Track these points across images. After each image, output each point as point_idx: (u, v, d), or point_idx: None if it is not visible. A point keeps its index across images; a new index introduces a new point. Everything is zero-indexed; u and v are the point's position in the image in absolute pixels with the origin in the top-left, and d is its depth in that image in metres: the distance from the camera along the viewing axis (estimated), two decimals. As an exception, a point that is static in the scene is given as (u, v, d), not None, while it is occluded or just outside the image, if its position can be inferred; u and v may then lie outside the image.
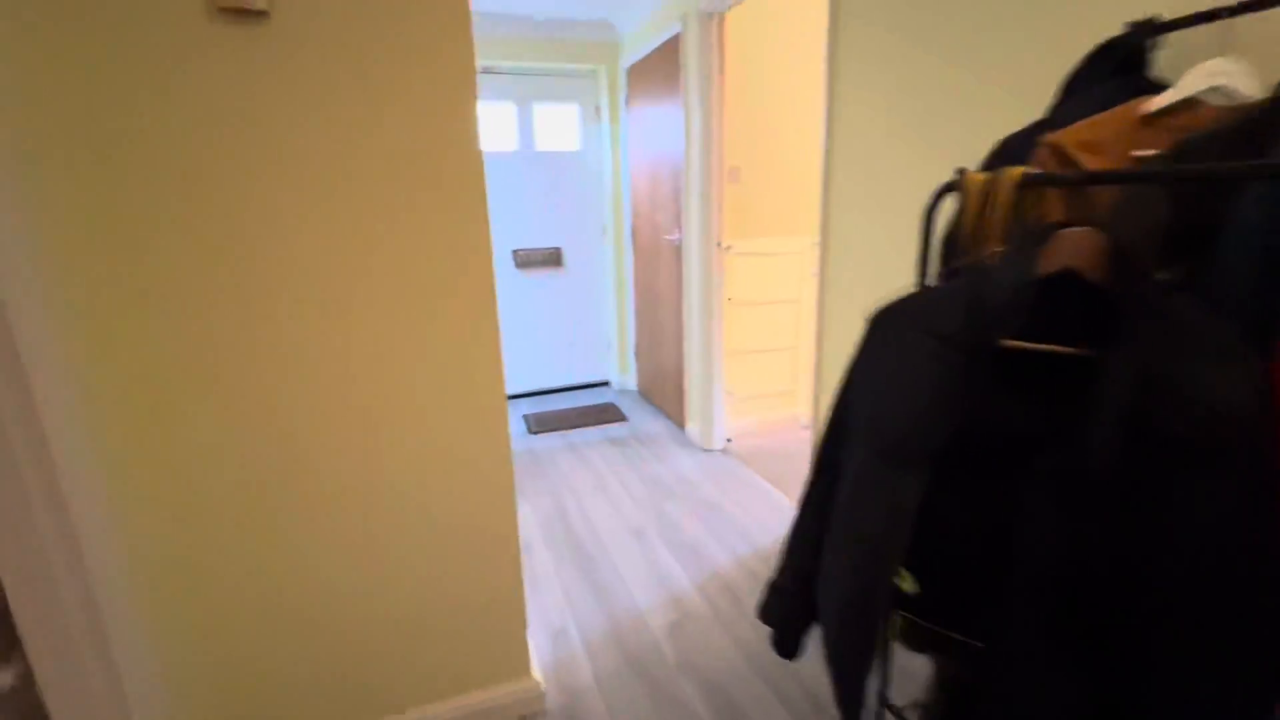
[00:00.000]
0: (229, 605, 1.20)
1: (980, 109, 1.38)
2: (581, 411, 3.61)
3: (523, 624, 1.45)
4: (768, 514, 2.41)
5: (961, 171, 0.92)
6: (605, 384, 4.12)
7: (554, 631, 1.79)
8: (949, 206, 0.95)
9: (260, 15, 1.00)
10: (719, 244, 2.78)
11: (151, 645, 1.14)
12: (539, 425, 3.41)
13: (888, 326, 0.84)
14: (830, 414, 0.92)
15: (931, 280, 1.01)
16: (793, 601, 0.98)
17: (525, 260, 3.69)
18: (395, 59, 1.08)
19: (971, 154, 1.13)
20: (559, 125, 3.63)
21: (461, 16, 1.10)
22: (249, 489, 1.16)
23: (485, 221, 1.20)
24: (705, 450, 3.02)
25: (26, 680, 0.96)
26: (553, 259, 3.75)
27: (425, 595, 1.34)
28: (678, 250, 3.03)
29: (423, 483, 1.28)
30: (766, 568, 2.04)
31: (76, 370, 1.00)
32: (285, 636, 1.25)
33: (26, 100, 0.91)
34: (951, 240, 0.98)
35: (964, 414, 0.73)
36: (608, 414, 3.57)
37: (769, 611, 1.03)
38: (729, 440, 3.08)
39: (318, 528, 1.22)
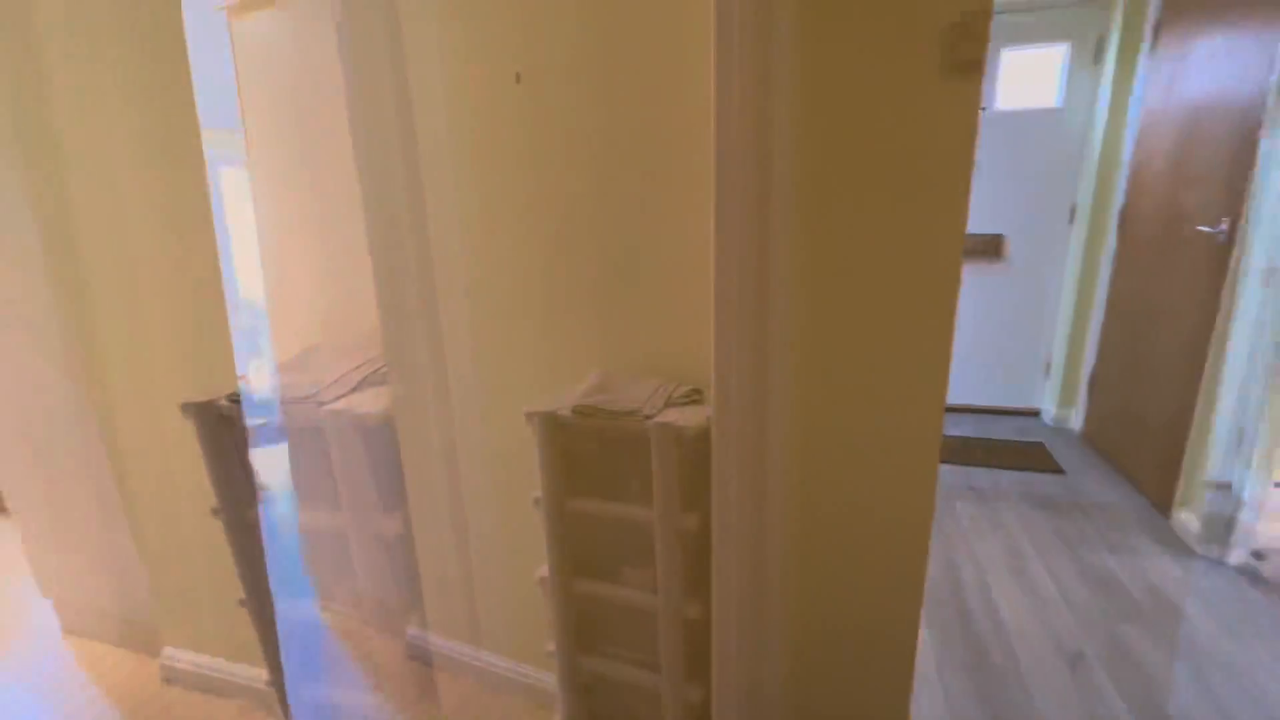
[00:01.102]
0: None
1: None
2: (996, 446, 2.84)
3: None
4: (1348, 720, 1.39)
5: None
6: (1033, 414, 3.18)
7: (928, 758, 1.34)
8: None
9: None
10: (1323, 245, 1.68)
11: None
12: (934, 450, 2.81)
13: None
14: None
15: None
16: None
17: (952, 248, 3.04)
18: None
19: None
20: (1033, 75, 2.80)
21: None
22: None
23: (964, 213, 0.82)
24: (1206, 558, 1.98)
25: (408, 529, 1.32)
26: (990, 248, 2.99)
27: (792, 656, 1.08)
28: (1221, 249, 1.98)
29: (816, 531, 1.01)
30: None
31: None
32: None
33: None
34: None
35: None
36: (1033, 458, 2.71)
37: None
38: (1257, 556, 1.95)
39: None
